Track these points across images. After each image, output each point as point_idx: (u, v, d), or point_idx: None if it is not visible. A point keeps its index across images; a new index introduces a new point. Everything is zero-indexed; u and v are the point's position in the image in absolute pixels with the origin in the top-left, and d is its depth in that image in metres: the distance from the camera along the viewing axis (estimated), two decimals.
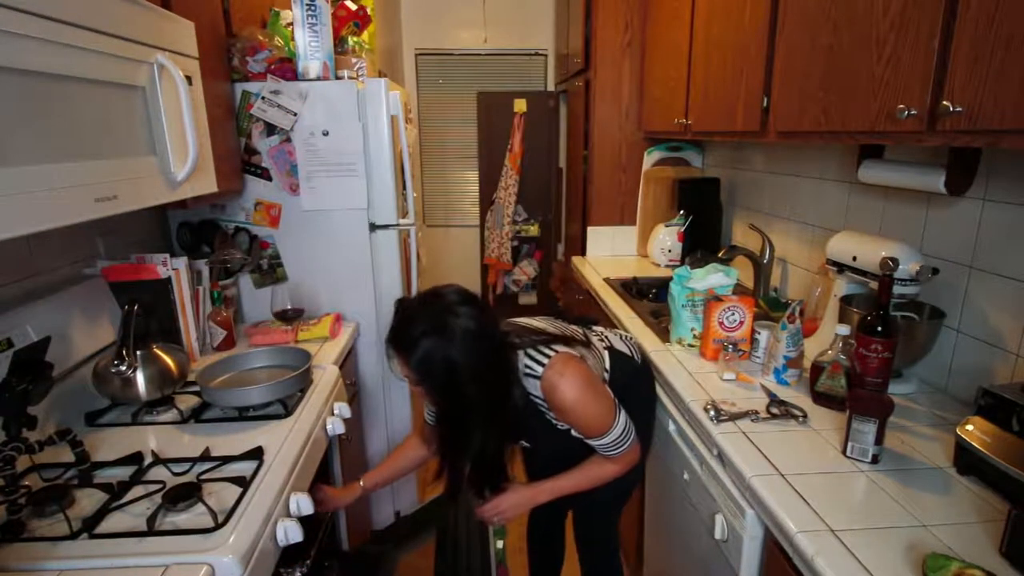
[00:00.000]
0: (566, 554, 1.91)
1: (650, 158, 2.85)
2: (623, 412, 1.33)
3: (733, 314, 1.58)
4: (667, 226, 2.65)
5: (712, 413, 1.30)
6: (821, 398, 1.35)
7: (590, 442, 1.33)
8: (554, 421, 1.34)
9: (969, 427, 1.07)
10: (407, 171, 2.22)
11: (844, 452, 1.15)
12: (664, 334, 1.80)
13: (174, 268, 1.66)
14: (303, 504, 1.20)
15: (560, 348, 1.29)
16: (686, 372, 1.55)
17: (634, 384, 1.50)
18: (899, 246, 1.38)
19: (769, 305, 1.96)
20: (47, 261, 1.47)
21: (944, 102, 0.97)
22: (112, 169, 1.06)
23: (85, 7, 0.99)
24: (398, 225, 2.11)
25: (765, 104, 1.60)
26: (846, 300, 1.50)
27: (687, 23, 2.13)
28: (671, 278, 1.72)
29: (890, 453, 1.15)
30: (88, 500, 1.10)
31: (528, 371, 1.27)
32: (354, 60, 2.06)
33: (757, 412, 1.30)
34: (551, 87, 4.18)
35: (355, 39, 2.16)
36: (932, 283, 1.39)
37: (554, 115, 4.08)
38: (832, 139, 1.34)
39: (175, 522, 1.04)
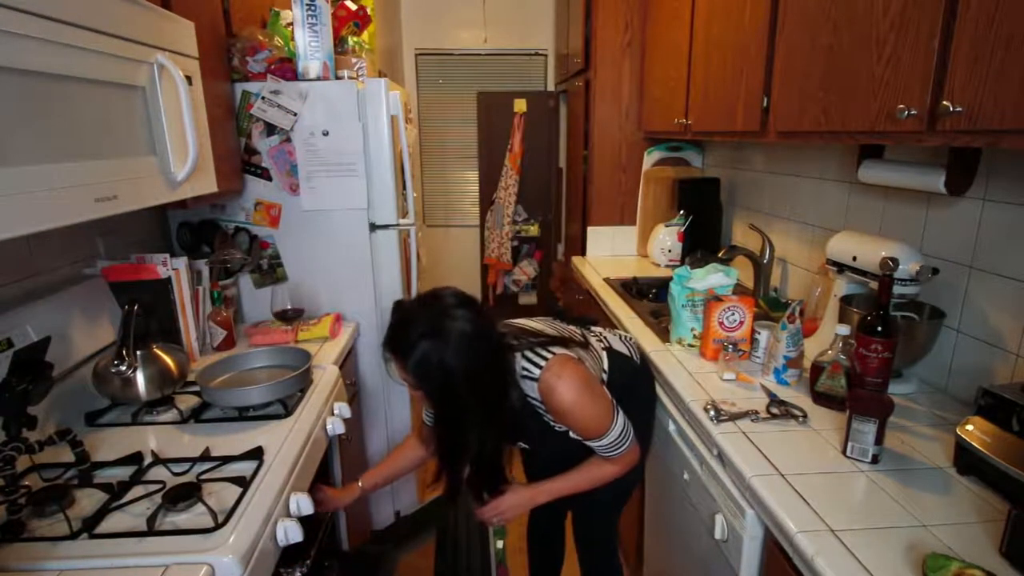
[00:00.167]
0: (566, 554, 1.91)
1: (650, 158, 2.85)
2: (621, 413, 1.33)
3: (733, 314, 1.58)
4: (667, 226, 2.65)
5: (712, 413, 1.30)
6: (821, 398, 1.35)
7: (589, 443, 1.33)
8: (552, 423, 1.34)
9: (969, 427, 1.07)
10: (407, 171, 2.22)
11: (844, 452, 1.15)
12: (664, 334, 1.80)
13: (174, 268, 1.66)
14: (303, 504, 1.20)
15: (557, 350, 1.29)
16: (686, 372, 1.55)
17: (633, 384, 1.50)
18: (899, 246, 1.38)
19: (769, 305, 1.96)
20: (47, 261, 1.47)
21: (944, 102, 0.97)
22: (112, 169, 1.06)
23: (85, 7, 0.99)
24: (398, 225, 2.11)
25: (765, 104, 1.60)
26: (846, 300, 1.50)
27: (687, 23, 2.13)
28: (671, 278, 1.72)
29: (890, 453, 1.15)
30: (88, 500, 1.10)
31: (525, 373, 1.27)
32: (354, 60, 2.06)
33: (757, 412, 1.30)
34: (551, 87, 4.18)
35: (355, 39, 2.16)
36: (932, 283, 1.39)
37: (554, 115, 4.08)
38: (832, 139, 1.34)
39: (175, 522, 1.04)
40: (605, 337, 1.53)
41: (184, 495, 1.07)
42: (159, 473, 1.19)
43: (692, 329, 1.70)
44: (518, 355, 1.28)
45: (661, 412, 1.56)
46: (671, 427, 1.49)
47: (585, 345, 1.40)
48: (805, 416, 1.29)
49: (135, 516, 1.05)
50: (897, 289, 1.32)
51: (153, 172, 1.21)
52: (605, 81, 2.77)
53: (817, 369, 1.35)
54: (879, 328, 1.21)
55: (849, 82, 1.23)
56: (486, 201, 4.24)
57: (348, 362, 2.01)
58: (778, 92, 1.54)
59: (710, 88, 1.98)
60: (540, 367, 1.26)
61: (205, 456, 1.23)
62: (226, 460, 1.22)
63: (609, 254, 2.99)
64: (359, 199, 2.03)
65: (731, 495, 1.16)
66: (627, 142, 2.85)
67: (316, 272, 2.09)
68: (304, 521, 1.18)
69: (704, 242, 2.59)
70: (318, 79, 1.94)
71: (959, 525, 0.95)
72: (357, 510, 2.02)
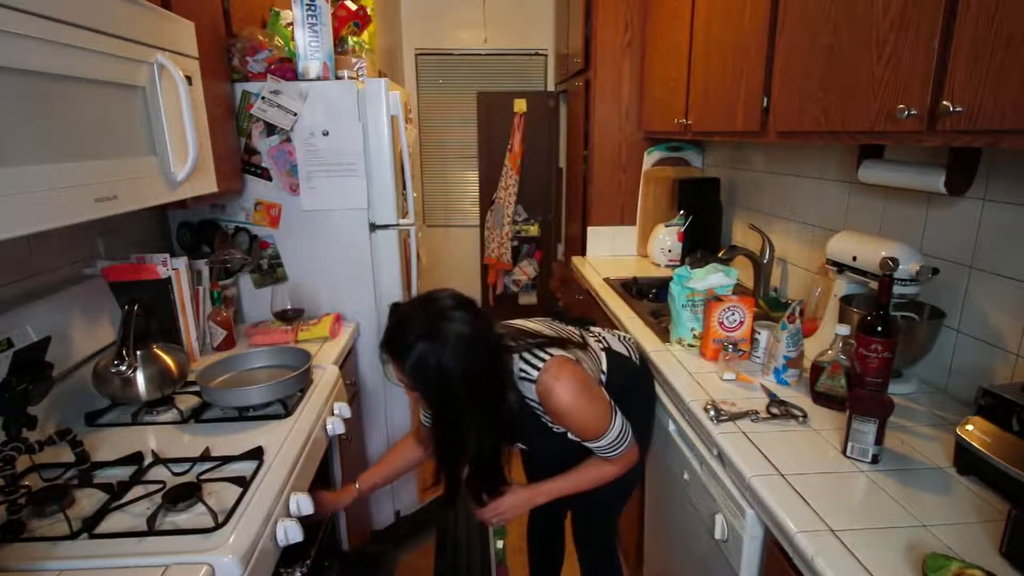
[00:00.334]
0: (566, 554, 1.91)
1: (650, 158, 2.85)
2: (619, 414, 1.33)
3: (733, 314, 1.58)
4: (667, 226, 2.65)
5: (712, 413, 1.30)
6: (821, 398, 1.35)
7: (587, 444, 1.33)
8: (550, 424, 1.34)
9: (969, 427, 1.07)
10: (407, 171, 2.22)
11: (844, 452, 1.15)
12: (664, 334, 1.80)
13: (174, 268, 1.66)
14: (303, 504, 1.20)
15: (555, 351, 1.29)
16: (686, 372, 1.55)
17: (632, 385, 1.50)
18: (899, 246, 1.38)
19: (769, 305, 1.96)
20: (47, 261, 1.47)
21: (944, 102, 0.97)
22: (112, 169, 1.06)
23: (85, 7, 0.99)
24: (398, 225, 2.12)
25: (765, 104, 1.60)
26: (846, 300, 1.50)
27: (687, 23, 2.13)
28: (671, 278, 1.72)
29: (890, 453, 1.15)
30: (88, 500, 1.10)
31: (523, 375, 1.27)
32: (354, 60, 2.06)
33: (757, 412, 1.30)
34: (551, 87, 4.18)
35: (355, 39, 2.16)
36: (932, 283, 1.39)
37: (554, 115, 4.08)
38: (832, 139, 1.34)
39: (175, 522, 1.04)
40: (604, 338, 1.53)
41: (184, 495, 1.07)
42: (159, 473, 1.19)
43: (692, 329, 1.70)
44: (516, 356, 1.28)
45: (661, 412, 1.56)
46: (671, 427, 1.49)
47: (583, 346, 1.40)
48: (805, 416, 1.29)
49: (135, 516, 1.05)
50: (897, 289, 1.32)
51: (153, 172, 1.21)
52: (605, 81, 2.77)
53: (817, 369, 1.35)
54: (879, 328, 1.21)
55: (849, 82, 1.23)
56: (486, 201, 4.24)
57: (348, 362, 2.01)
58: (778, 92, 1.54)
59: (710, 88, 1.98)
60: (538, 369, 1.26)
61: (205, 456, 1.23)
62: (226, 460, 1.22)
63: (609, 254, 2.99)
64: (359, 199, 2.03)
65: (731, 495, 1.16)
66: (627, 142, 2.85)
67: (316, 272, 2.09)
68: (304, 521, 1.18)
69: (704, 242, 2.59)
70: (318, 79, 1.94)
71: (959, 525, 0.95)
72: (357, 510, 2.02)
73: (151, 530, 1.00)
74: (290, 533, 1.12)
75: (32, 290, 1.40)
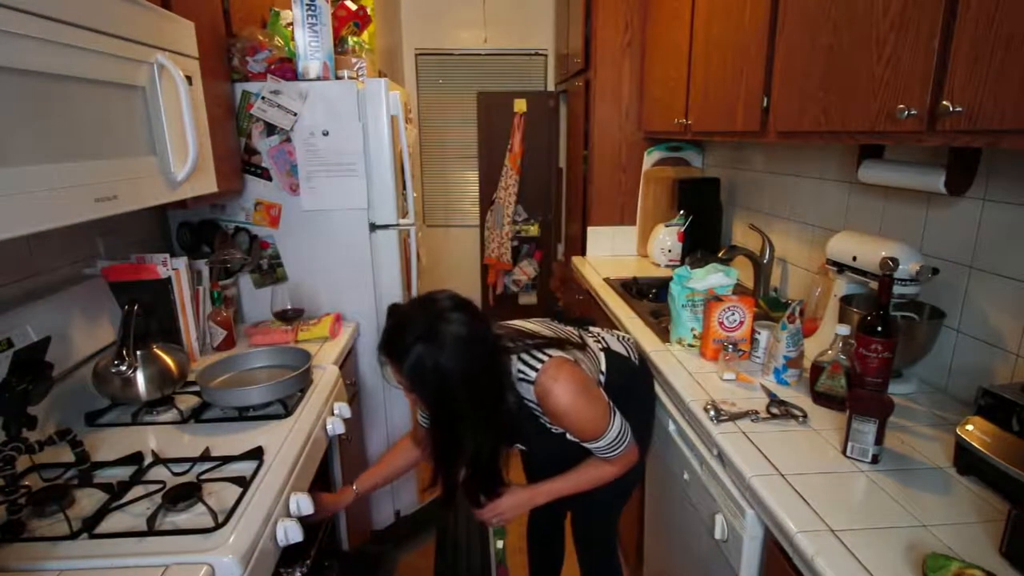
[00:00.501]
0: (566, 554, 1.91)
1: (650, 158, 2.85)
2: (618, 415, 1.33)
3: (733, 314, 1.58)
4: (667, 226, 2.65)
5: (712, 413, 1.30)
6: (821, 398, 1.35)
7: (586, 445, 1.33)
8: (549, 425, 1.34)
9: (969, 427, 1.07)
10: (407, 171, 2.22)
11: (844, 452, 1.15)
12: (664, 334, 1.80)
13: (174, 268, 1.66)
14: (303, 504, 1.20)
15: (554, 352, 1.29)
16: (686, 372, 1.55)
17: (631, 385, 1.50)
18: (899, 246, 1.38)
19: (769, 305, 1.96)
20: (47, 261, 1.47)
21: (944, 102, 0.97)
22: (112, 169, 1.06)
23: (85, 7, 0.99)
24: (398, 225, 2.12)
25: (765, 104, 1.60)
26: (846, 300, 1.50)
27: (687, 23, 2.13)
28: (671, 278, 1.72)
29: (890, 453, 1.15)
30: (88, 500, 1.10)
31: (521, 376, 1.27)
32: (354, 60, 2.06)
33: (757, 412, 1.30)
34: (551, 87, 4.18)
35: (355, 39, 2.16)
36: (932, 283, 1.39)
37: (554, 115, 4.08)
38: (832, 139, 1.34)
39: (175, 522, 1.04)
40: (603, 338, 1.53)
41: (184, 495, 1.07)
42: (159, 473, 1.19)
43: (692, 329, 1.70)
44: (514, 358, 1.27)
45: (661, 412, 1.56)
46: (671, 427, 1.49)
47: (582, 346, 1.40)
48: (805, 416, 1.29)
49: (135, 516, 1.05)
50: (897, 289, 1.32)
51: (153, 172, 1.21)
52: (605, 81, 2.77)
53: (817, 369, 1.35)
54: (879, 328, 1.21)
55: (849, 82, 1.23)
56: (486, 201, 4.24)
57: (348, 362, 2.01)
58: (778, 92, 1.54)
59: (710, 88, 1.98)
60: (536, 370, 1.26)
61: (205, 456, 1.23)
62: (226, 460, 1.22)
63: (609, 254, 2.99)
64: (359, 199, 2.03)
65: (731, 495, 1.16)
66: (627, 142, 2.85)
67: (316, 272, 2.09)
68: (304, 521, 1.18)
69: (704, 242, 2.59)
70: (318, 79, 1.94)
71: (959, 525, 0.95)
72: (357, 510, 2.02)
73: (151, 530, 1.00)
74: (290, 533, 1.12)
75: (32, 290, 1.40)
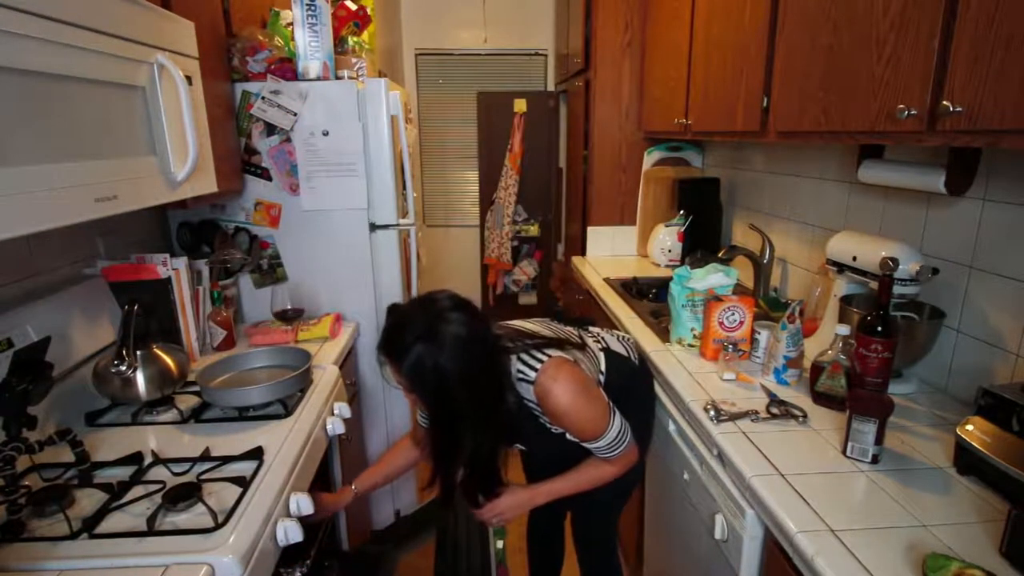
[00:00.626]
0: (566, 554, 1.91)
1: (650, 158, 2.85)
2: (618, 415, 1.33)
3: (733, 314, 1.58)
4: (667, 226, 2.65)
5: (712, 413, 1.30)
6: (821, 398, 1.35)
7: (586, 445, 1.33)
8: (549, 425, 1.34)
9: (969, 427, 1.07)
10: (407, 171, 2.22)
11: (844, 452, 1.15)
12: (664, 334, 1.80)
13: (174, 268, 1.66)
14: (303, 504, 1.20)
15: (553, 352, 1.29)
16: (686, 372, 1.55)
17: (631, 385, 1.50)
18: (899, 246, 1.38)
19: (769, 305, 1.96)
20: (47, 261, 1.47)
21: (944, 102, 0.97)
22: (112, 169, 1.06)
23: (85, 7, 0.99)
24: (398, 225, 2.12)
25: (765, 104, 1.60)
26: (846, 300, 1.50)
27: (687, 23, 2.13)
28: (671, 278, 1.72)
29: (890, 453, 1.15)
30: (88, 500, 1.10)
31: (521, 376, 1.27)
32: (354, 60, 2.06)
33: (757, 412, 1.30)
34: (551, 87, 4.18)
35: (355, 39, 2.16)
36: (932, 283, 1.39)
37: (554, 115, 4.08)
38: (832, 139, 1.34)
39: (175, 522, 1.04)
40: (603, 338, 1.53)
41: (184, 495, 1.07)
42: (159, 473, 1.19)
43: (692, 329, 1.70)
44: (513, 358, 1.27)
45: (661, 412, 1.56)
46: (671, 427, 1.49)
47: (582, 347, 1.40)
48: (805, 416, 1.29)
49: (135, 516, 1.05)
50: (897, 289, 1.32)
51: (153, 172, 1.21)
52: (605, 81, 2.77)
53: (817, 369, 1.35)
54: (879, 328, 1.21)
55: (849, 82, 1.23)
56: (486, 201, 4.24)
57: (348, 362, 2.01)
58: (778, 92, 1.54)
59: (710, 88, 1.98)
60: (535, 370, 1.26)
61: (205, 456, 1.23)
62: (226, 460, 1.22)
63: (609, 254, 2.99)
64: (359, 199, 2.03)
65: (731, 495, 1.16)
66: (627, 142, 2.85)
67: (316, 272, 2.09)
68: (304, 521, 1.18)
69: (704, 242, 2.59)
70: (318, 79, 1.94)
71: (959, 525, 0.95)
72: (357, 510, 2.02)
73: (151, 530, 1.00)
74: (290, 533, 1.12)
75: (32, 290, 1.40)
